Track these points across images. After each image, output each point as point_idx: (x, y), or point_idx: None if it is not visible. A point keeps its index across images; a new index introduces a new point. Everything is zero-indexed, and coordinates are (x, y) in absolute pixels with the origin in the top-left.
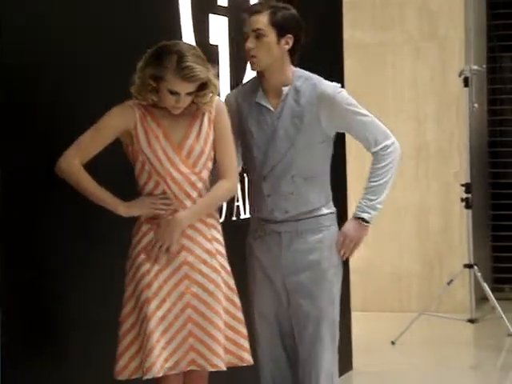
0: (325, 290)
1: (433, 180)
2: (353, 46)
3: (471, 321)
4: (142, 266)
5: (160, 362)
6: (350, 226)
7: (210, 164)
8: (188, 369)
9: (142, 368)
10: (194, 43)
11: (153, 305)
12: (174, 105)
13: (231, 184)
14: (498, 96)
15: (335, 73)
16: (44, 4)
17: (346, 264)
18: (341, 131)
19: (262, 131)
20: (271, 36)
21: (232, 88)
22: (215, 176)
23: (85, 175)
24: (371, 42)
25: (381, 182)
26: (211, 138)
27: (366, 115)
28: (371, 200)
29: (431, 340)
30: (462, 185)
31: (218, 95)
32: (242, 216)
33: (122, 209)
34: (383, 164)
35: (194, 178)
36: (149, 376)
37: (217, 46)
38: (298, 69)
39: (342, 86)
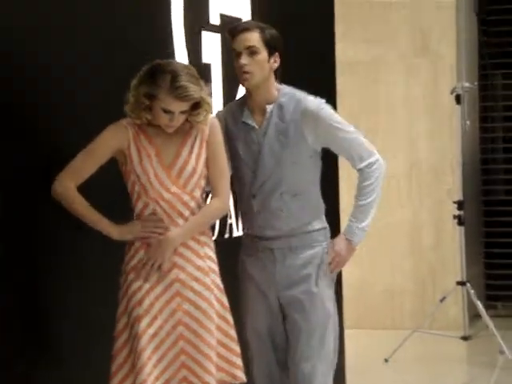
0: (319, 303)
1: (425, 197)
2: (345, 62)
3: (464, 338)
4: (134, 282)
5: (151, 380)
6: (341, 245)
7: (203, 183)
8: None
9: None
10: (186, 61)
11: (144, 322)
12: (168, 123)
13: (223, 203)
14: (489, 113)
15: (328, 90)
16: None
17: (339, 281)
18: (325, 147)
19: (249, 150)
20: (263, 54)
21: (225, 106)
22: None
23: (79, 199)
24: (364, 58)
25: (369, 200)
26: (203, 156)
27: (349, 132)
28: (360, 221)
29: (424, 357)
30: (455, 202)
31: (211, 113)
32: (235, 234)
33: (115, 233)
34: (369, 182)
35: (186, 197)
36: None
37: (209, 64)
38: (284, 86)
39: (335, 103)
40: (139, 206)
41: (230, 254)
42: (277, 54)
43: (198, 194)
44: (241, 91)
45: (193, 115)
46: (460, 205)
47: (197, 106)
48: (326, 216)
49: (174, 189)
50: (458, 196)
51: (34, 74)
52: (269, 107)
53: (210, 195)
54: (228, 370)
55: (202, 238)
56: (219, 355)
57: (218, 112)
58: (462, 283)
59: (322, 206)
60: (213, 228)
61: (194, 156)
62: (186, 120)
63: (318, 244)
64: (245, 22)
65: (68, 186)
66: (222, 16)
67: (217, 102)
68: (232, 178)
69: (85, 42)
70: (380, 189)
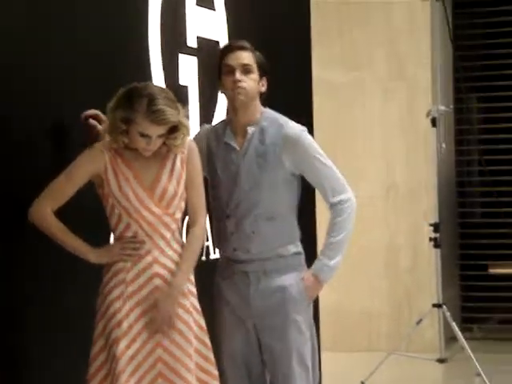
0: (295, 329)
1: (402, 219)
2: (322, 85)
3: (440, 360)
4: (113, 303)
5: None
6: (309, 281)
7: (183, 204)
8: None
9: None
10: (163, 83)
11: (122, 344)
12: (145, 147)
13: (202, 229)
14: (465, 136)
15: (304, 112)
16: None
17: (315, 304)
18: (300, 173)
19: (227, 170)
20: (256, 74)
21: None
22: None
23: (56, 223)
24: (340, 81)
25: (340, 237)
26: (184, 178)
27: (327, 164)
28: (330, 258)
29: (401, 380)
30: (431, 224)
31: (189, 136)
32: (212, 256)
33: (93, 257)
34: (341, 218)
35: (167, 219)
36: None
37: (186, 86)
38: (266, 109)
39: (311, 126)
40: (120, 227)
41: (206, 276)
42: (265, 78)
43: (178, 215)
44: (218, 114)
45: (170, 139)
46: (436, 227)
47: (174, 129)
48: (303, 242)
49: (155, 209)
50: (434, 218)
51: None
52: (250, 129)
53: (187, 218)
54: None
55: None
56: (198, 379)
57: (201, 129)
58: (438, 305)
59: (297, 231)
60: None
61: (174, 178)
62: (164, 143)
63: (293, 269)
64: (240, 41)
65: (43, 211)
66: (199, 38)
67: (193, 125)
68: (208, 197)
69: (60, 66)
70: (351, 226)
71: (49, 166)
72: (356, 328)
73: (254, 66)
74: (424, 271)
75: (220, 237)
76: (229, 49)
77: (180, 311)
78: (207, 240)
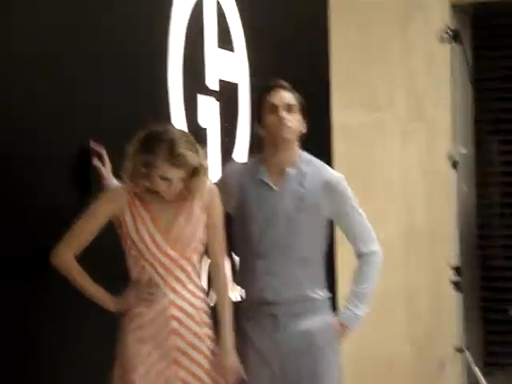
0: (323, 372)
1: (422, 262)
2: (341, 126)
3: None
4: (130, 348)
5: None
6: (336, 329)
7: (201, 247)
8: None
9: None
10: (183, 125)
11: None
12: (166, 190)
13: (225, 274)
14: (485, 179)
15: (324, 154)
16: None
17: None
18: (333, 220)
19: (261, 209)
20: (298, 115)
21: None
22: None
23: (77, 270)
24: (359, 123)
25: (368, 287)
26: (202, 222)
27: (361, 214)
28: (358, 308)
29: None
30: (452, 267)
31: (209, 179)
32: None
33: (112, 305)
34: (370, 269)
35: (183, 261)
36: None
37: (206, 128)
38: (303, 152)
39: (330, 167)
40: (136, 270)
41: None
42: (304, 120)
43: (195, 259)
44: (237, 156)
45: (191, 181)
46: (457, 270)
47: (195, 172)
48: None
49: (171, 252)
50: (455, 261)
51: None
52: (289, 170)
53: (209, 262)
54: None
55: (199, 304)
56: None
57: (232, 164)
58: (460, 350)
59: (324, 276)
60: (208, 292)
61: (192, 221)
62: (185, 186)
63: (322, 313)
64: (281, 81)
65: (65, 257)
66: (220, 81)
67: (213, 166)
68: (235, 233)
69: (83, 105)
70: (377, 277)
71: (72, 206)
72: (377, 373)
73: (297, 107)
74: (445, 315)
75: (247, 276)
76: (272, 87)
77: (196, 355)
78: None
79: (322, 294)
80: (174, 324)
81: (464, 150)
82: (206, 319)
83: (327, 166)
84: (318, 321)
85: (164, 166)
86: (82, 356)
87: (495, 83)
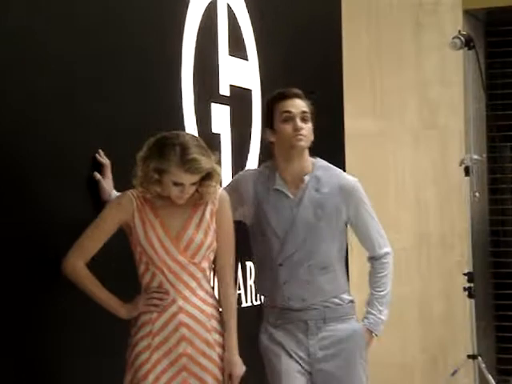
0: (354, 376)
1: (435, 269)
2: (354, 134)
3: None
4: (140, 355)
5: None
6: (366, 337)
7: (211, 255)
8: None
9: None
10: (195, 131)
11: None
12: (179, 195)
13: (233, 282)
14: (498, 185)
15: (337, 161)
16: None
17: None
18: (348, 224)
19: (280, 218)
20: (310, 123)
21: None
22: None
23: (88, 277)
24: (372, 130)
25: (386, 290)
26: (212, 229)
27: (375, 218)
28: (381, 312)
29: None
30: (465, 274)
31: (220, 185)
32: (244, 304)
33: (123, 312)
34: (386, 272)
35: (192, 268)
36: None
37: (219, 134)
38: (318, 159)
39: None
40: (147, 277)
41: (238, 324)
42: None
43: (205, 265)
44: (250, 162)
45: (203, 186)
46: (470, 277)
47: (207, 176)
48: None
49: (180, 258)
50: (468, 268)
51: None
52: (306, 178)
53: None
54: None
55: (210, 311)
56: None
57: (246, 172)
58: (473, 357)
59: (347, 280)
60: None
61: (202, 228)
62: (196, 190)
63: (350, 317)
64: (294, 89)
65: (76, 266)
66: (232, 87)
67: (226, 172)
68: (253, 243)
69: (95, 117)
70: (392, 278)
71: (83, 214)
72: (390, 380)
73: (309, 115)
74: (458, 321)
75: (270, 285)
76: (286, 96)
77: (206, 362)
78: (239, 289)
79: (347, 298)
80: (184, 331)
81: (477, 157)
82: (217, 326)
83: (342, 171)
84: (345, 326)
85: (177, 172)
86: (92, 364)
87: (508, 89)
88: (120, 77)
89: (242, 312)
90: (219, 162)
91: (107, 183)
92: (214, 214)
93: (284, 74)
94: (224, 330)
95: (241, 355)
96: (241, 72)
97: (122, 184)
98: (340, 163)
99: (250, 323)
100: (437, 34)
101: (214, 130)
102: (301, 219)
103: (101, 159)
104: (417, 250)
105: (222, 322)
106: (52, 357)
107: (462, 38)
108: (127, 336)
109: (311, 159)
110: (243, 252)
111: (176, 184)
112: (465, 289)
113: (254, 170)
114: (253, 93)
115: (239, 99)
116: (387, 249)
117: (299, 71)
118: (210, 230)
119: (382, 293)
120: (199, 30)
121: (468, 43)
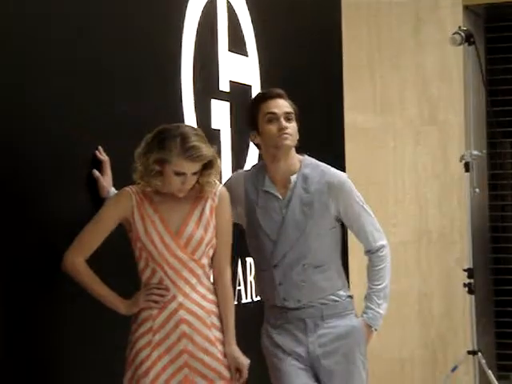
0: (354, 371)
1: (434, 265)
2: (353, 130)
3: None
4: (141, 352)
5: None
6: (364, 331)
7: (210, 252)
8: None
9: None
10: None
11: None
12: (180, 187)
13: (230, 279)
14: (498, 181)
15: (336, 157)
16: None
17: None
18: (342, 219)
19: (270, 219)
20: (295, 122)
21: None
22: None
23: (88, 273)
24: (371, 125)
25: (384, 284)
26: (212, 225)
27: (367, 211)
28: (380, 306)
29: None
30: (465, 270)
31: (220, 180)
32: (244, 301)
33: (123, 308)
34: (383, 265)
35: (192, 264)
36: None
37: (219, 130)
38: (305, 156)
39: (344, 170)
40: (147, 273)
41: (238, 321)
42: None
43: (205, 261)
44: (250, 158)
45: (204, 175)
46: (470, 273)
47: (207, 166)
48: None
49: (180, 254)
50: (468, 264)
51: None
52: (293, 178)
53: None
54: None
55: (209, 306)
56: None
57: (237, 174)
58: (473, 352)
59: (344, 276)
60: None
61: (202, 224)
62: (197, 182)
63: (349, 312)
64: (276, 89)
65: (75, 262)
66: (232, 83)
67: (226, 169)
68: (248, 244)
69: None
70: (390, 271)
71: (83, 210)
72: (390, 376)
73: (294, 115)
74: (458, 317)
75: (266, 286)
76: (269, 96)
77: (208, 359)
78: (239, 285)
79: (345, 294)
80: (184, 327)
81: (477, 153)
82: (216, 322)
83: (330, 167)
84: (344, 322)
85: (179, 161)
86: (92, 360)
87: (508, 85)
88: (119, 73)
89: (242, 308)
90: (218, 155)
91: (106, 180)
92: (213, 210)
93: (284, 70)
94: (222, 325)
95: (241, 351)
96: (241, 68)
97: (121, 181)
98: (340, 159)
99: (250, 319)
100: (437, 30)
101: (214, 125)
102: (291, 219)
103: (100, 156)
104: (417, 245)
105: (220, 317)
106: (52, 354)
107: (462, 33)
108: (127, 333)
109: (299, 157)
110: (243, 248)
111: (178, 174)
112: (465, 285)
113: (245, 171)
114: (252, 89)
115: (239, 95)
116: (383, 241)
117: (299, 67)
118: (210, 226)
119: (379, 286)
120: (199, 25)
121: (468, 39)
